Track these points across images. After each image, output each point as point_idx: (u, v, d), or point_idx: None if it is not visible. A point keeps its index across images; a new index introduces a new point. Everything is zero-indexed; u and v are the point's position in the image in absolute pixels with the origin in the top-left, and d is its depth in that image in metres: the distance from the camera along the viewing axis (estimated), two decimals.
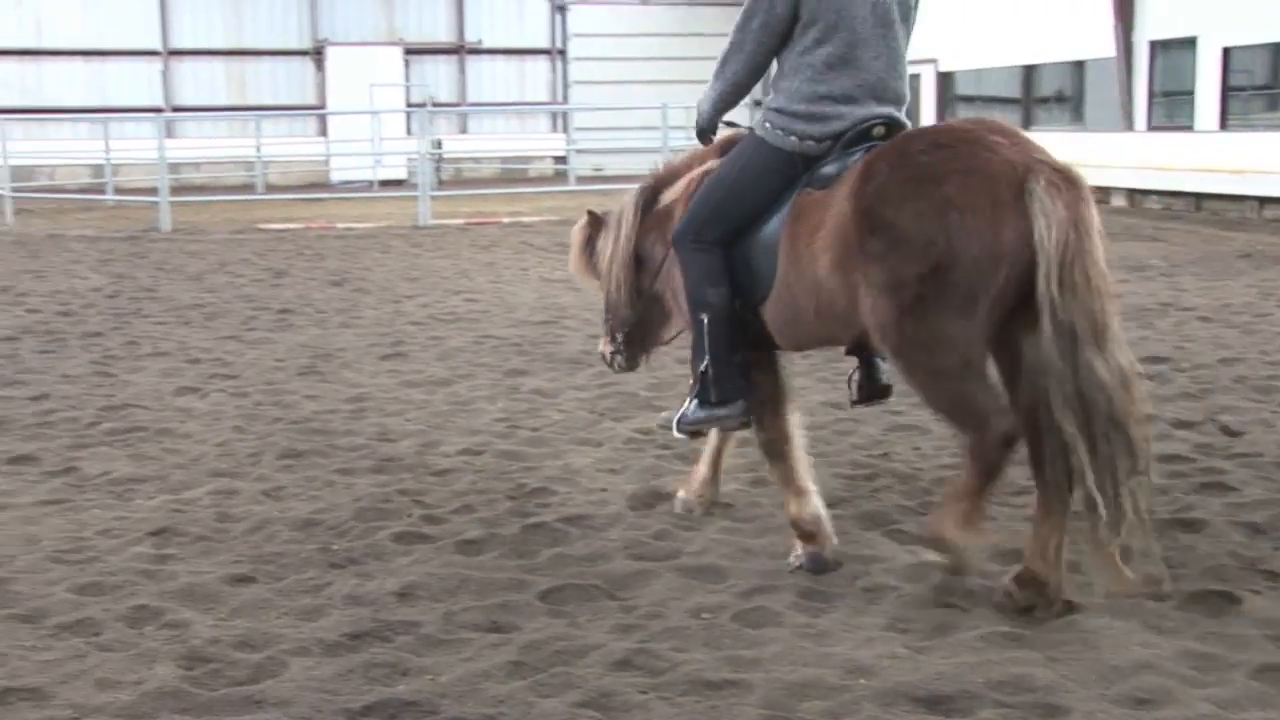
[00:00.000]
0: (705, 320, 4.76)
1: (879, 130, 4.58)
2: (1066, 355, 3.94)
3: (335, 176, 33.37)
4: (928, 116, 29.80)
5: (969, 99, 29.44)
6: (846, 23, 4.56)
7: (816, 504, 4.82)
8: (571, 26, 36.79)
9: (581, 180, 31.37)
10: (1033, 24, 25.82)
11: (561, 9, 36.77)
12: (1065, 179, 4.02)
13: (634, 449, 6.47)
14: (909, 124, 4.68)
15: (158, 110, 32.90)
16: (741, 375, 4.83)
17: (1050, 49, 25.45)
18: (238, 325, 10.72)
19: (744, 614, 4.26)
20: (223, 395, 7.91)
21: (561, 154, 33.17)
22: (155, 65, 34.84)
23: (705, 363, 4.82)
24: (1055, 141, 19.91)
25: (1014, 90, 27.17)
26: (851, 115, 4.58)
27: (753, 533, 5.12)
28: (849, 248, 4.22)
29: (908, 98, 4.73)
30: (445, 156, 31.95)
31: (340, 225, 20.63)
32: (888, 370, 5.07)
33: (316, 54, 35.13)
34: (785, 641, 4.03)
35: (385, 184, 30.99)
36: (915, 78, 30.10)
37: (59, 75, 34.50)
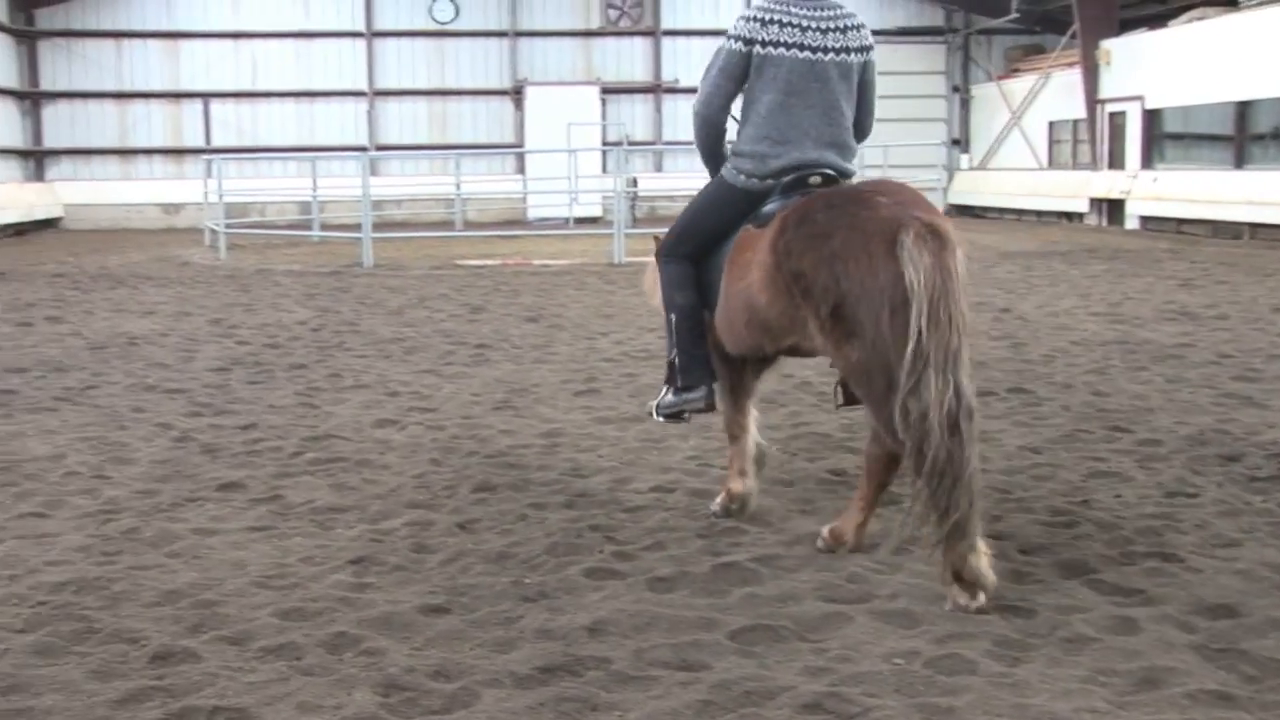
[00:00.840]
0: (674, 318, 5.77)
1: (815, 179, 5.45)
2: (914, 375, 4.63)
3: (532, 213, 34.00)
4: (1133, 155, 29.05)
5: (1177, 137, 28.58)
6: (784, 76, 5.46)
7: (751, 486, 5.95)
8: None
9: None
10: (1246, 58, 24.98)
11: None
12: (932, 232, 4.72)
13: (826, 489, 6.43)
14: (852, 169, 5.56)
15: (362, 149, 33.99)
16: (704, 366, 5.78)
17: (1265, 84, 24.58)
18: (436, 359, 10.97)
19: (937, 660, 4.19)
20: (420, 428, 8.10)
21: None
22: (361, 105, 35.99)
23: (673, 354, 5.82)
24: (1272, 182, 19.25)
25: (1225, 127, 26.30)
26: (787, 156, 5.47)
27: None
28: (778, 288, 5.12)
29: (850, 143, 5.55)
30: (640, 194, 32.28)
31: (536, 261, 21.00)
32: None
33: (516, 93, 35.89)
34: (980, 690, 3.94)
35: (581, 221, 31.48)
36: (1122, 114, 29.35)
37: (271, 116, 35.91)
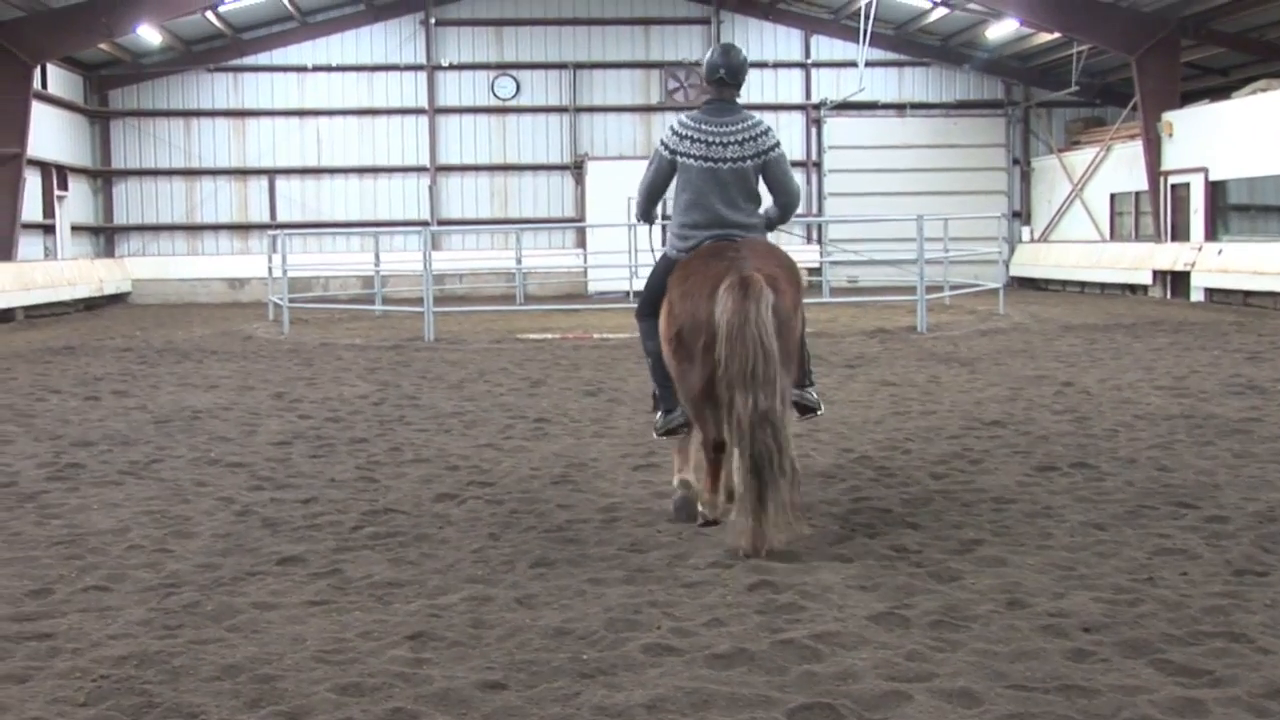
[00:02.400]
0: (650, 361, 7.72)
1: (708, 244, 7.43)
2: (726, 392, 6.63)
3: (592, 287, 34.17)
4: (1197, 227, 28.86)
5: (1242, 208, 28.40)
6: (694, 180, 7.59)
7: (720, 504, 7.26)
8: (828, 138, 37.07)
9: (835, 291, 31.37)
10: None
11: (818, 121, 37.09)
12: (744, 282, 6.71)
13: (886, 566, 6.38)
14: (728, 235, 7.44)
15: (424, 223, 34.39)
16: (675, 393, 7.44)
17: None
18: (495, 433, 11.03)
19: None
20: (479, 502, 8.13)
21: (816, 265, 33.33)
22: (424, 180, 36.45)
23: (654, 387, 7.71)
24: None
25: None
26: (698, 236, 7.54)
27: (1008, 657, 4.97)
28: (667, 316, 7.22)
29: (746, 221, 7.53)
30: None
31: (596, 335, 21.10)
32: (799, 394, 7.61)
33: (577, 168, 36.22)
34: None
35: (640, 295, 31.55)
36: (1185, 186, 29.19)
37: (335, 191, 36.47)
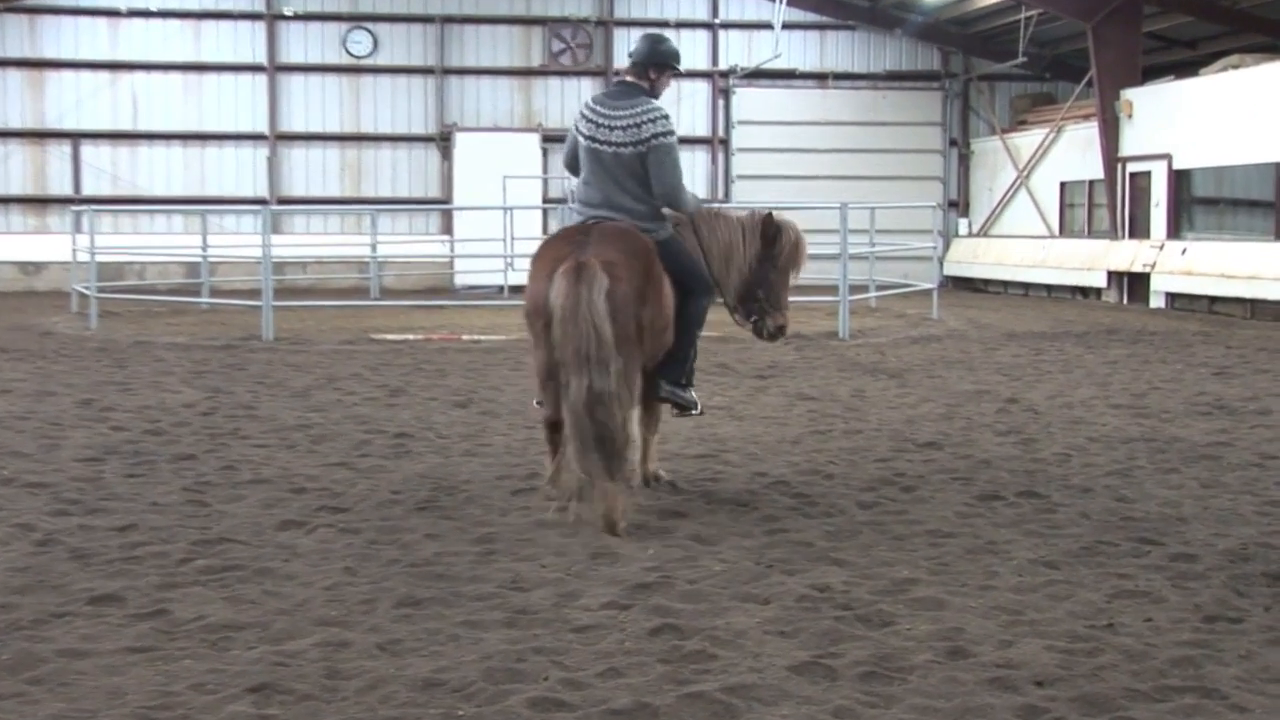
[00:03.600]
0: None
1: (568, 227, 8.91)
2: (559, 373, 8.06)
3: (461, 281, 34.10)
4: (1158, 222, 29.46)
5: (1210, 202, 29.05)
6: (587, 159, 8.96)
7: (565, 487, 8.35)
8: (737, 111, 37.32)
9: None
10: None
11: (725, 92, 37.33)
12: (577, 268, 8.03)
13: (808, 608, 6.46)
14: (626, 221, 8.78)
15: (262, 202, 34.02)
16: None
17: None
18: (348, 450, 10.97)
19: None
20: (331, 531, 8.08)
21: None
22: (261, 151, 36.08)
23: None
24: None
25: (1265, 192, 26.78)
26: (588, 213, 8.90)
27: (950, 714, 5.06)
28: None
29: (634, 206, 8.88)
30: None
31: (466, 337, 21.07)
32: (671, 390, 9.21)
33: (443, 140, 36.09)
34: None
35: (518, 290, 31.54)
36: (1146, 175, 29.76)
37: (154, 161, 35.91)
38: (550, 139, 35.73)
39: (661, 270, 8.69)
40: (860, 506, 8.83)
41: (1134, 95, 30.51)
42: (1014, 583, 6.93)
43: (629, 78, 9.15)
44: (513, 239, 30.61)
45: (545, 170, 35.59)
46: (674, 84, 33.39)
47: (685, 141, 36.82)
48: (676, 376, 9.16)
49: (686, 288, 9.04)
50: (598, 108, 8.99)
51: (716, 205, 10.07)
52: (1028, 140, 35.83)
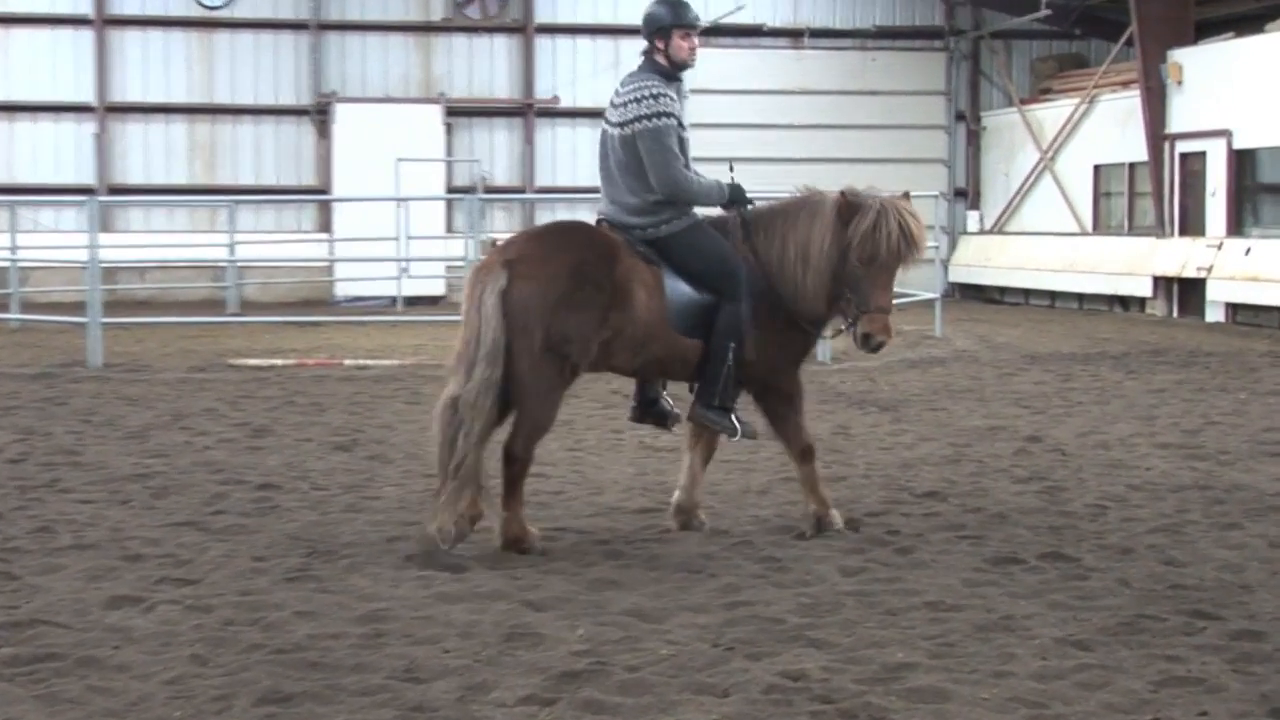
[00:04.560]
0: None
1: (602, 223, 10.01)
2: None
3: (342, 291, 33.95)
4: (1216, 215, 29.52)
5: (1277, 189, 29.12)
6: (601, 165, 10.07)
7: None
8: (690, 78, 37.27)
9: None
10: None
11: None
12: (485, 265, 9.38)
13: (778, 701, 6.46)
14: (632, 220, 9.74)
15: (88, 192, 33.75)
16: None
17: None
18: (199, 506, 10.91)
19: None
20: (176, 609, 8.02)
21: None
22: (87, 126, 35.80)
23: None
24: None
25: None
26: (602, 209, 10.06)
27: None
28: None
29: (627, 199, 9.76)
30: None
31: (349, 362, 20.97)
32: (699, 413, 9.84)
33: (320, 114, 35.95)
34: None
35: (415, 303, 31.52)
36: (1199, 156, 29.85)
37: None
38: (457, 112, 35.69)
39: (636, 272, 9.52)
40: (843, 573, 8.84)
41: (1184, 57, 30.67)
42: (1036, 668, 6.95)
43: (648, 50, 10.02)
44: (408, 238, 30.54)
45: (450, 152, 35.54)
46: (612, 43, 33.31)
47: None
48: (708, 398, 9.71)
49: (713, 291, 9.61)
50: (619, 86, 9.98)
51: (797, 192, 10.26)
52: (1053, 113, 35.99)
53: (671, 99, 9.78)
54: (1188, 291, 30.11)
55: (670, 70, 9.95)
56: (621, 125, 9.73)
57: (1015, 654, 7.16)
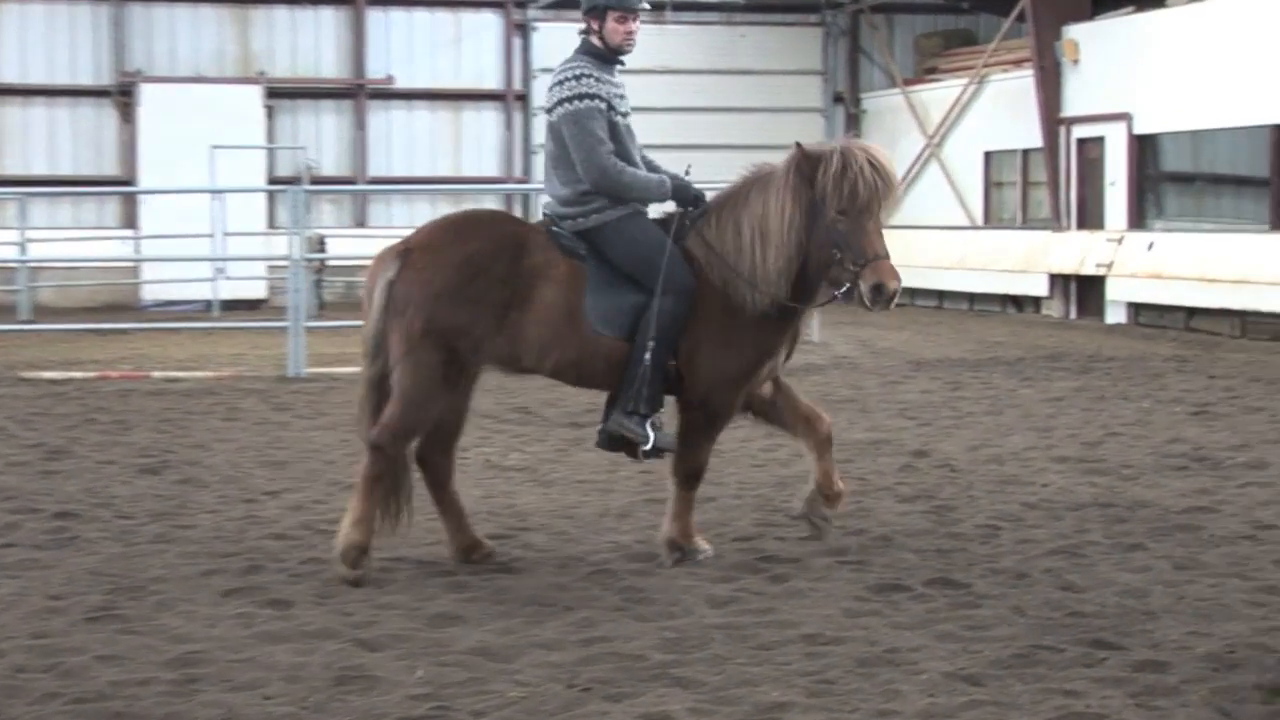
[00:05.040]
0: None
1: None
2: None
3: (150, 294, 33.63)
4: (1116, 207, 29.82)
5: (1184, 179, 29.42)
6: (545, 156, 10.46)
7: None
8: (538, 55, 37.28)
9: None
10: None
11: (522, 28, 37.30)
12: (383, 258, 9.82)
13: None
14: (566, 211, 9.94)
15: None
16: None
17: None
18: None
19: None
20: None
21: None
22: None
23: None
24: None
25: (1258, 166, 27.22)
26: (544, 200, 10.49)
27: None
28: None
29: (558, 189, 10.00)
30: (331, 264, 32.08)
31: (158, 374, 20.79)
32: (615, 420, 9.87)
33: (123, 95, 35.59)
34: None
35: (233, 307, 31.29)
36: (1098, 142, 30.15)
37: None
38: (279, 93, 35.47)
39: (549, 268, 9.76)
40: (712, 604, 8.88)
41: (1081, 33, 31.02)
42: (922, 706, 7.01)
43: None
44: (224, 235, 30.30)
45: (271, 138, 35.30)
46: (453, 16, 33.37)
47: (469, 97, 36.79)
48: (624, 403, 9.74)
49: (639, 286, 9.68)
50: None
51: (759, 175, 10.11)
52: (939, 95, 36.29)
53: (596, 80, 9.91)
54: (1086, 290, 30.45)
55: (605, 53, 10.13)
56: (549, 111, 10.04)
57: (900, 690, 7.22)
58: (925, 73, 37.62)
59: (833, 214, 9.54)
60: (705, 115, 37.20)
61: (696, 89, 37.44)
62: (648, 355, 9.51)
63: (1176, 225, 28.87)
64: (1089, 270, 29.91)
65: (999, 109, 33.97)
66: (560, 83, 9.95)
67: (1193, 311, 27.44)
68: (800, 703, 7.04)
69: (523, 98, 37.26)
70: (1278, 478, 12.86)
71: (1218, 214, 28.67)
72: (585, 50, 10.12)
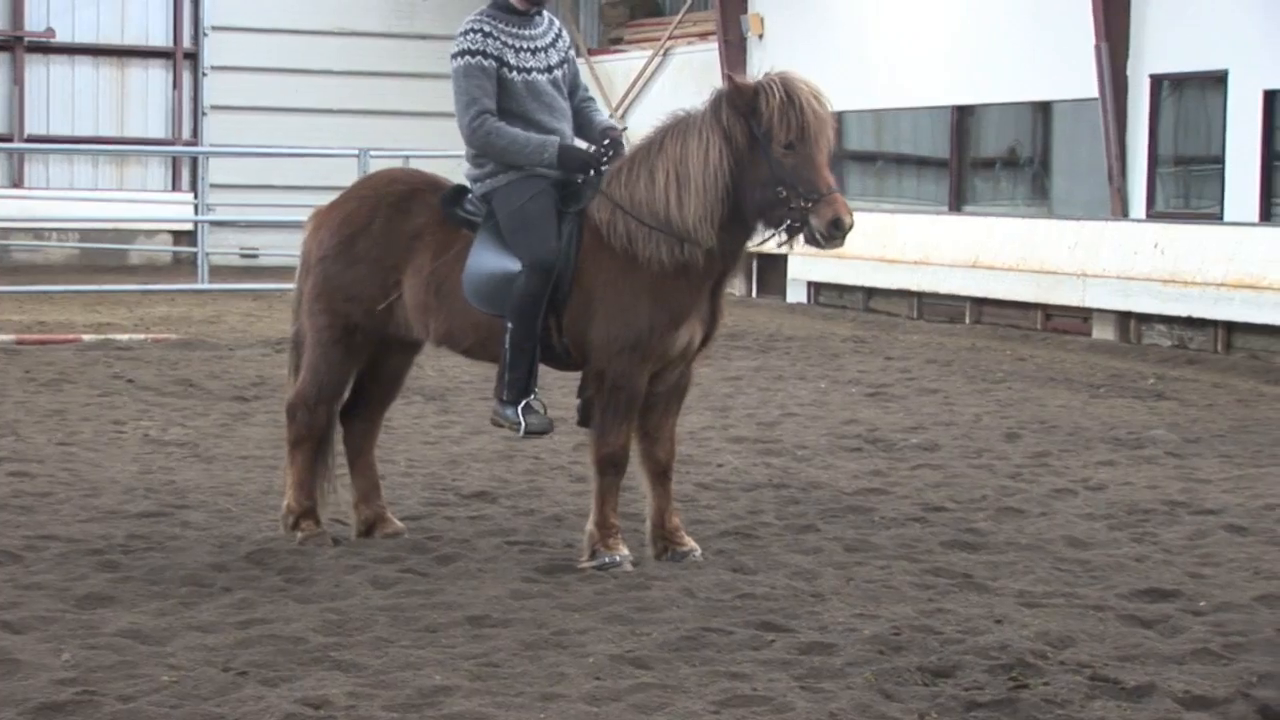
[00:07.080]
0: None
1: None
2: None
3: None
4: None
5: (865, 158, 29.90)
6: None
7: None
8: (210, 13, 36.80)
9: (219, 274, 31.17)
10: (970, 39, 26.57)
11: None
12: (310, 217, 10.07)
13: None
14: (471, 168, 9.85)
15: None
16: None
17: (997, 85, 26.22)
18: None
19: None
20: None
21: (187, 227, 33.09)
22: None
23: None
24: (1010, 232, 20.45)
25: (921, 146, 27.73)
26: None
27: None
28: None
29: (466, 153, 9.83)
30: None
31: None
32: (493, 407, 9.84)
33: None
34: None
35: None
36: None
37: None
38: None
39: (430, 230, 9.65)
40: (376, 585, 8.86)
41: (766, 7, 31.40)
42: (588, 689, 7.06)
43: None
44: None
45: None
46: None
47: (135, 54, 36.21)
48: (496, 388, 9.71)
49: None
50: None
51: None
52: (624, 66, 36.54)
53: (484, 35, 9.68)
54: (768, 269, 30.79)
55: (518, 6, 9.95)
56: None
57: (566, 674, 7.27)
58: (611, 43, 37.80)
59: (779, 149, 9.43)
60: (385, 80, 37.02)
61: (374, 52, 37.21)
62: (509, 336, 9.32)
63: (858, 204, 29.10)
64: (770, 248, 30.08)
65: (684, 81, 34.12)
66: (455, 37, 9.84)
67: (872, 292, 27.91)
68: (464, 686, 7.05)
69: (193, 56, 36.72)
70: (949, 460, 13.18)
71: (899, 194, 29.18)
72: (494, 3, 9.93)
